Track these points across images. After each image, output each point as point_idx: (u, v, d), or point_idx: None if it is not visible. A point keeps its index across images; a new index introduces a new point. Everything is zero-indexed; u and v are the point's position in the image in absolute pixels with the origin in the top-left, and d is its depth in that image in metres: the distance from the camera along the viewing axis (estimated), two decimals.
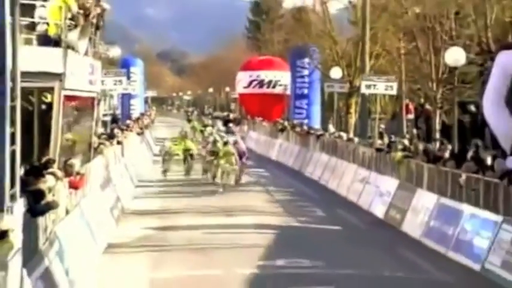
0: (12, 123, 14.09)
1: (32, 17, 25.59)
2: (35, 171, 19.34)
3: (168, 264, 23.12)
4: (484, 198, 24.77)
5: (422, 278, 22.90)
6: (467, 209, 25.37)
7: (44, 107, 25.78)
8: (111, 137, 39.41)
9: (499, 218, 23.13)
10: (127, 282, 21.29)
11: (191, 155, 42.59)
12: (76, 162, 25.03)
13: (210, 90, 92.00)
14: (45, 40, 25.39)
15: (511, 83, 27.16)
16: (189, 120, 77.06)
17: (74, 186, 22.93)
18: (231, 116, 67.81)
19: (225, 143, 39.85)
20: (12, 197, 14.14)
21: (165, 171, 42.16)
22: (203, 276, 21.79)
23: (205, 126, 56.99)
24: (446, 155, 31.84)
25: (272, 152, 55.25)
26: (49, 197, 18.48)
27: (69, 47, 25.74)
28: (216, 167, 39.39)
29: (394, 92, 44.39)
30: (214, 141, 41.10)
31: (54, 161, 22.27)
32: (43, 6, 25.87)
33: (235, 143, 45.38)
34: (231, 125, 58.50)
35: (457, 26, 41.11)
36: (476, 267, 23.13)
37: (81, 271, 20.45)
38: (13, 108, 14.02)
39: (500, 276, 21.80)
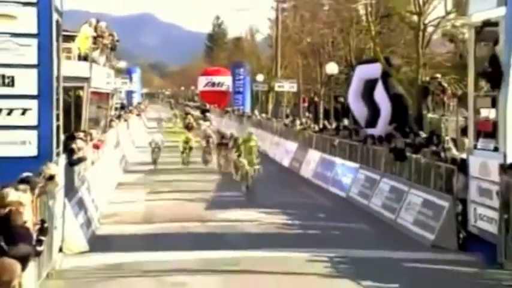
0: (57, 108, 15.08)
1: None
2: (71, 138, 20.41)
3: (157, 194, 25.41)
4: (349, 153, 28.11)
5: (312, 202, 25.01)
6: (338, 160, 28.53)
7: (77, 98, 27.88)
8: (119, 117, 44.13)
9: (357, 165, 26.41)
10: (130, 204, 23.28)
11: (190, 148, 36.03)
12: (97, 132, 27.38)
13: (182, 88, 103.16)
14: (79, 57, 28.37)
15: (363, 85, 31.52)
16: (172, 108, 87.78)
17: (96, 147, 25.14)
18: (207, 107, 68.78)
19: (246, 140, 27.52)
20: (58, 154, 15.03)
21: (154, 162, 35.08)
22: (180, 202, 23.90)
23: (186, 114, 58.25)
24: (329, 127, 36.38)
25: (220, 126, 56.28)
26: (80, 154, 19.43)
27: (93, 61, 28.84)
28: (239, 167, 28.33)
29: (295, 89, 51.32)
30: (235, 139, 31.70)
31: (83, 131, 24.16)
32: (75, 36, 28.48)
33: (217, 130, 39.87)
34: (207, 114, 55.74)
35: (333, 50, 45.81)
36: (344, 195, 26.16)
37: (101, 200, 22.15)
38: (58, 100, 15.04)
39: (358, 201, 24.68)
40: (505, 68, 15.87)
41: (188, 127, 49.47)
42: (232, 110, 63.34)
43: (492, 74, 16.39)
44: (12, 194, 9.92)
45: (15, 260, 7.19)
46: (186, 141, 36.01)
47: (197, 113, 65.08)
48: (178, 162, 35.00)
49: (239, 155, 27.65)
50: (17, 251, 7.99)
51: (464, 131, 22.52)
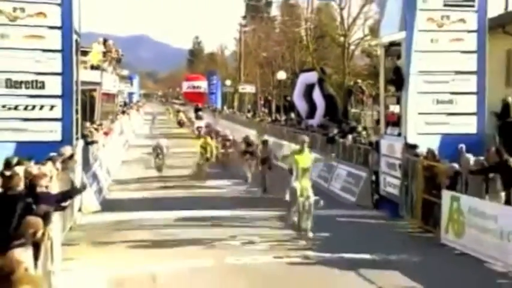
0: (76, 105, 15.31)
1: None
2: (85, 126, 21.38)
3: (152, 169, 24.07)
4: (294, 138, 26.62)
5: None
6: (286, 143, 27.69)
7: (91, 98, 28.72)
8: (123, 112, 42.47)
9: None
10: (131, 175, 23.24)
11: (207, 158, 23.05)
12: (106, 123, 27.98)
13: (170, 90, 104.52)
14: (92, 67, 28.81)
15: (304, 88, 31.33)
16: (163, 105, 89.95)
17: (106, 134, 25.57)
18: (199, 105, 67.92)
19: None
20: (77, 139, 15.32)
21: (159, 169, 23.58)
22: (170, 173, 23.64)
23: (178, 111, 56.17)
24: (280, 119, 36.32)
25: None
26: (93, 138, 20.31)
27: (103, 70, 29.23)
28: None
29: (254, 91, 52.06)
30: (264, 141, 21.89)
31: (96, 124, 25.23)
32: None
33: (208, 126, 36.51)
34: (200, 112, 47.13)
35: (282, 62, 45.51)
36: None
37: (110, 173, 22.06)
38: (76, 99, 15.33)
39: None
40: (406, 76, 15.99)
41: (180, 123, 48.17)
42: (207, 106, 63.12)
43: (396, 81, 16.46)
44: (35, 168, 10.36)
45: (38, 216, 7.11)
46: (204, 147, 23.30)
47: (183, 107, 65.15)
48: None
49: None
50: (40, 209, 7.97)
51: (377, 122, 22.38)
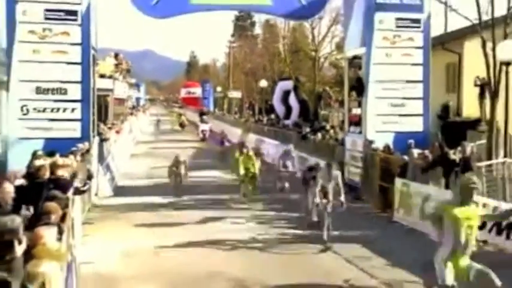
0: (93, 107, 15.48)
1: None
2: (100, 126, 20.34)
3: (159, 161, 22.50)
4: (274, 135, 27.28)
5: None
6: (267, 139, 26.93)
7: (105, 102, 28.44)
8: (131, 114, 41.71)
9: (278, 143, 24.65)
10: (139, 168, 22.41)
11: (253, 175, 15.46)
12: (118, 123, 27.68)
13: (171, 95, 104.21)
14: (101, 76, 27.62)
15: (282, 93, 30.79)
16: (165, 108, 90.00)
17: (117, 132, 25.29)
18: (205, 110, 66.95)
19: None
20: (93, 136, 15.39)
21: (177, 191, 15.84)
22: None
23: (180, 114, 53.87)
24: (262, 119, 35.98)
25: (194, 118, 57.26)
26: (106, 136, 20.07)
27: (115, 79, 29.08)
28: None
29: (240, 96, 51.60)
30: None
31: (109, 124, 25.12)
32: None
33: (211, 130, 34.73)
34: (205, 116, 40.88)
35: (264, 72, 44.53)
36: (270, 161, 22.02)
37: (120, 164, 21.54)
38: (93, 102, 15.47)
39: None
40: (365, 84, 16.11)
41: (181, 125, 46.35)
42: (202, 108, 63.01)
43: (358, 88, 16.57)
44: (60, 160, 10.14)
45: (58, 200, 7.05)
46: (246, 167, 15.50)
47: (182, 110, 64.61)
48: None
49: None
50: (59, 195, 7.74)
51: (342, 122, 22.40)
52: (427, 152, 13.36)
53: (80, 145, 13.75)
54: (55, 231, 5.85)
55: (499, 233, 10.07)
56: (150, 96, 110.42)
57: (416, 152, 13.59)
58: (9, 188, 7.04)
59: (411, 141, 14.65)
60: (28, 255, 4.95)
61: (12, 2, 14.19)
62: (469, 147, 12.35)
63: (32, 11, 14.25)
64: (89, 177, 10.23)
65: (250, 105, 51.85)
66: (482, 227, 9.49)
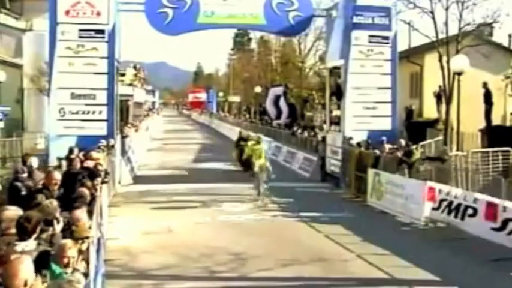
0: (117, 110, 15.60)
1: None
2: (122, 126, 20.32)
3: (169, 155, 23.46)
4: (267, 133, 26.41)
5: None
6: (262, 137, 26.17)
7: (127, 105, 28.43)
8: (148, 115, 40.87)
9: (271, 139, 24.67)
10: (154, 160, 22.11)
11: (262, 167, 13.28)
12: (137, 122, 27.63)
13: (181, 100, 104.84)
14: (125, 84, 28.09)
15: (273, 98, 30.98)
16: (177, 110, 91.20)
17: (136, 130, 25.23)
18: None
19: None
20: (117, 134, 15.48)
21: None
22: (181, 159, 22.22)
23: (188, 116, 55.27)
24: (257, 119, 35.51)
25: (200, 119, 58.30)
26: (127, 133, 19.87)
27: (134, 86, 29.15)
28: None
29: (239, 100, 50.90)
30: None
31: (130, 124, 25.10)
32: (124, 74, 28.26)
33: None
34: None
35: (259, 80, 44.05)
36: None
37: (139, 157, 21.01)
38: (117, 106, 15.59)
39: (272, 158, 19.93)
40: (344, 90, 16.02)
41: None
42: (206, 111, 63.05)
43: (337, 93, 16.57)
44: (93, 153, 10.59)
45: (88, 187, 7.23)
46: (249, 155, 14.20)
47: (189, 112, 64.78)
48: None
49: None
50: (89, 182, 7.86)
51: (324, 122, 21.56)
52: (395, 146, 13.51)
53: (103, 141, 13.67)
54: (85, 212, 5.88)
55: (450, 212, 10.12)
56: (164, 100, 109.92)
57: (388, 147, 13.68)
58: (57, 176, 7.21)
59: (384, 138, 14.57)
60: (66, 232, 5.10)
61: (54, 25, 14.55)
62: (404, 142, 13.55)
63: (69, 31, 14.58)
64: (106, 172, 10.29)
65: (247, 108, 51.48)
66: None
